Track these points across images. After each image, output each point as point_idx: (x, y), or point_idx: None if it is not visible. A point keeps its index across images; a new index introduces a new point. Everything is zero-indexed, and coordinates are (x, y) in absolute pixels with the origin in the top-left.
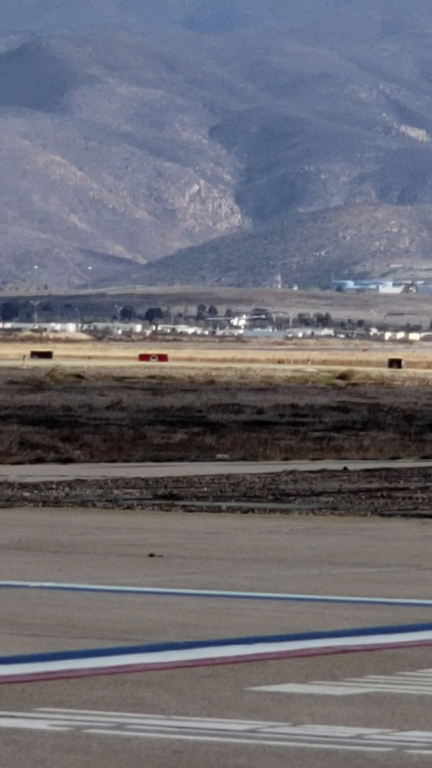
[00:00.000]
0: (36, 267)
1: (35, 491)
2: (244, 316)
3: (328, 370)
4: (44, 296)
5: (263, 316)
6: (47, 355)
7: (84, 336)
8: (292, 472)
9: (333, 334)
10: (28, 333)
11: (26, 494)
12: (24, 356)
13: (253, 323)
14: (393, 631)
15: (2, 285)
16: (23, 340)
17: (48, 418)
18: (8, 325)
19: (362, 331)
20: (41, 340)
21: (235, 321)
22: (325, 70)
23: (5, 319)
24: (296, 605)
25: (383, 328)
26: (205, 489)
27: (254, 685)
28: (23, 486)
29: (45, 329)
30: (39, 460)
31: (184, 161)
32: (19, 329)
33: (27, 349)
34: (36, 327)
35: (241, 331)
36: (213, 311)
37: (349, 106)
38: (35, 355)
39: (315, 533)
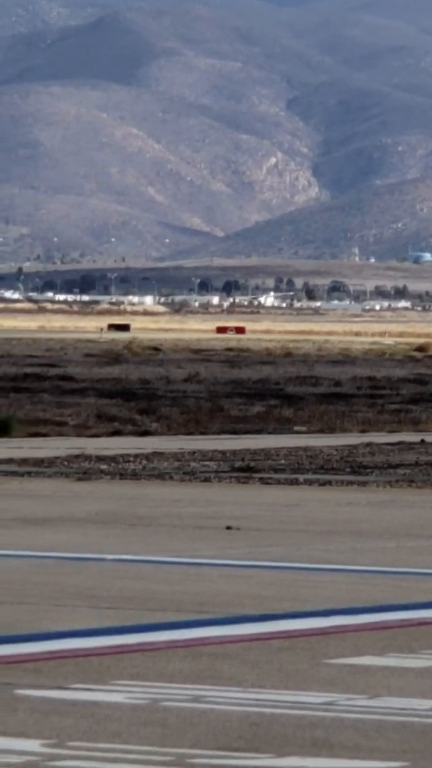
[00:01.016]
0: (113, 240)
1: (112, 464)
2: (272, 293)
3: (406, 342)
4: (122, 269)
5: (291, 292)
6: (125, 327)
7: (161, 309)
8: (369, 444)
9: (410, 306)
10: (105, 306)
11: (103, 467)
12: (101, 329)
13: (282, 298)
14: None
15: (80, 258)
16: (101, 312)
17: (125, 390)
18: (86, 297)
19: None
20: (119, 312)
21: (262, 298)
22: (401, 42)
23: (83, 291)
24: (373, 578)
25: None
26: (283, 461)
27: (331, 657)
28: (100, 458)
29: (122, 302)
30: (116, 433)
31: (262, 134)
32: (96, 302)
33: (104, 321)
34: (113, 300)
35: (318, 304)
36: (291, 284)
37: (426, 79)
38: (113, 327)
39: (392, 506)
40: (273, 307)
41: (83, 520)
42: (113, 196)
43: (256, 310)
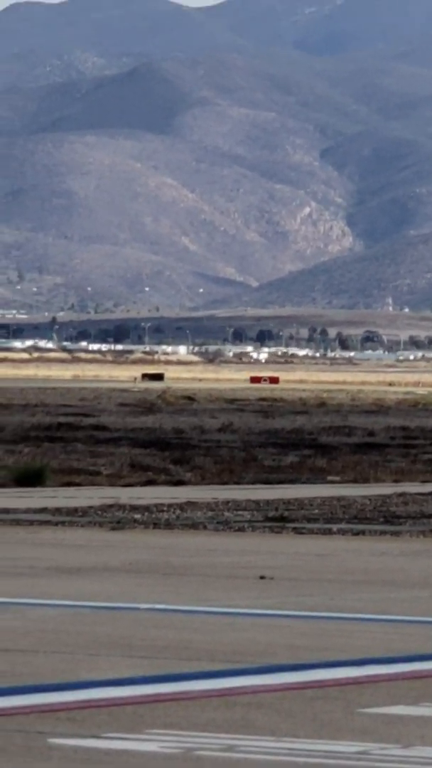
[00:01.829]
0: (147, 289)
1: (146, 513)
2: (260, 349)
3: None
4: (155, 318)
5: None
6: (158, 377)
7: (195, 358)
8: (402, 494)
9: None
10: (139, 355)
11: (137, 516)
12: (135, 378)
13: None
14: None
15: (114, 307)
16: (135, 362)
17: (159, 440)
18: (120, 347)
19: None
20: (153, 362)
21: (255, 354)
22: None
23: (117, 340)
24: (407, 627)
25: None
26: (316, 511)
27: (365, 706)
28: (134, 508)
29: (156, 351)
30: (150, 482)
31: (296, 183)
32: (130, 351)
33: (138, 371)
34: (147, 349)
35: (352, 354)
36: (324, 333)
37: None
38: (146, 377)
39: (425, 555)
40: (307, 356)
41: (117, 569)
42: (147, 246)
43: (290, 359)
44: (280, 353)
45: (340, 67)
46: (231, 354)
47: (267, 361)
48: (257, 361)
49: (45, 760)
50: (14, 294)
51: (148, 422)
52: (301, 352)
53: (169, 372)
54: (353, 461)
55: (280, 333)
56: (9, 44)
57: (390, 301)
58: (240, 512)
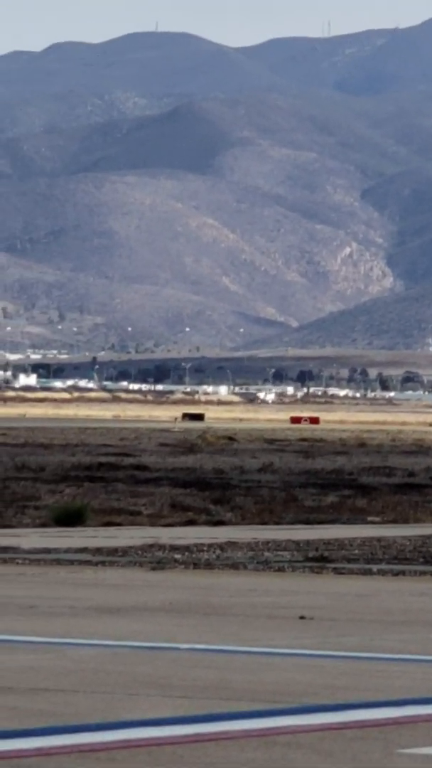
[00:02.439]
0: (188, 329)
1: (186, 553)
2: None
3: None
4: (196, 358)
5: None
6: (199, 417)
7: (236, 398)
8: None
9: None
10: (180, 395)
11: (177, 556)
12: (176, 418)
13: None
14: None
15: (154, 347)
16: (175, 402)
17: (199, 480)
18: (160, 387)
19: None
20: (193, 402)
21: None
22: None
23: (157, 381)
24: None
25: None
26: (356, 551)
27: (404, 747)
28: (175, 548)
29: (197, 391)
30: (190, 522)
31: (336, 224)
32: (171, 391)
33: (179, 411)
34: (188, 389)
35: (392, 394)
36: (364, 374)
37: None
38: (187, 417)
39: None
40: (346, 397)
41: (157, 609)
42: (188, 286)
43: (330, 400)
44: (304, 394)
45: (381, 107)
46: (265, 394)
47: (304, 401)
48: (264, 402)
49: None
50: (55, 334)
51: (188, 462)
52: (342, 393)
53: (210, 412)
54: (393, 501)
55: (321, 373)
56: (50, 84)
57: (430, 341)
58: (280, 552)
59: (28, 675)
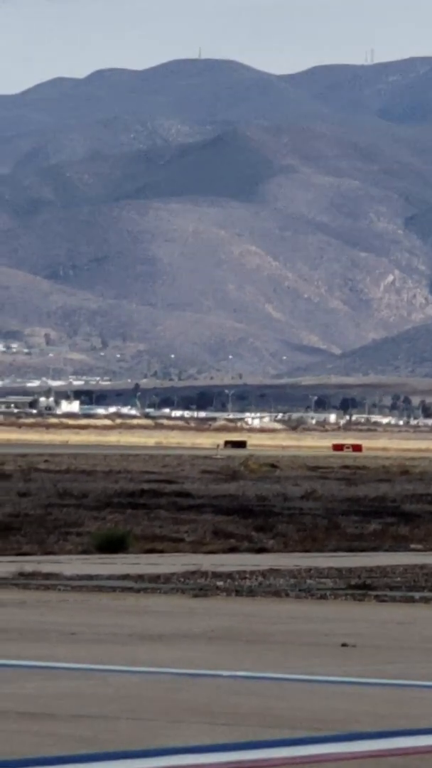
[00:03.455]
0: (231, 357)
1: (229, 580)
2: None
3: None
4: (239, 386)
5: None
6: (241, 444)
7: (278, 425)
8: None
9: None
10: (222, 422)
11: (220, 583)
12: (218, 445)
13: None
14: None
15: (197, 374)
16: (218, 429)
17: (242, 507)
18: (203, 414)
19: None
20: (236, 429)
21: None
22: None
23: (200, 408)
24: None
25: None
26: (399, 579)
27: None
28: (217, 575)
29: (239, 419)
30: (233, 550)
31: (379, 251)
32: (213, 418)
33: (221, 438)
34: (230, 416)
35: None
36: (407, 402)
37: None
38: (229, 444)
39: None
40: (389, 424)
41: (199, 636)
42: (231, 313)
43: (373, 427)
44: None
45: (424, 135)
46: (314, 422)
47: (347, 429)
48: (262, 428)
49: None
50: (98, 361)
51: (231, 489)
52: (384, 420)
53: (252, 439)
54: None
55: (364, 401)
56: (94, 111)
57: None
58: (322, 580)
59: (70, 701)
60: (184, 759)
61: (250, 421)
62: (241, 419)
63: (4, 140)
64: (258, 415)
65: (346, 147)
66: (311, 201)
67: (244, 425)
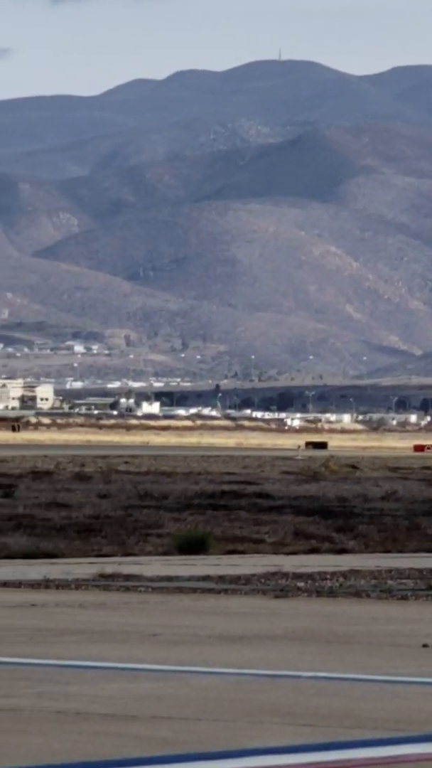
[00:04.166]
0: (311, 357)
1: (309, 581)
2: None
3: None
4: (319, 387)
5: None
6: (322, 445)
7: (359, 426)
8: None
9: None
10: (303, 423)
11: (300, 584)
12: (299, 446)
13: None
14: None
15: (278, 375)
16: (298, 430)
17: (322, 508)
18: (283, 414)
19: None
20: (316, 430)
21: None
22: None
23: (280, 408)
24: None
25: None
26: None
27: None
28: (297, 576)
29: (320, 419)
30: (313, 551)
31: None
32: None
33: (302, 439)
34: (311, 417)
35: None
36: None
37: None
38: (310, 445)
39: None
40: None
41: (280, 637)
42: (311, 314)
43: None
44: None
45: None
46: (394, 423)
47: (428, 429)
48: (291, 428)
49: None
50: (178, 362)
51: (311, 490)
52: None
53: (333, 440)
54: None
55: None
56: (174, 112)
57: None
58: (403, 581)
59: (151, 703)
60: (265, 760)
61: (289, 422)
62: (280, 419)
63: (83, 142)
64: (299, 415)
65: (426, 147)
66: (391, 201)
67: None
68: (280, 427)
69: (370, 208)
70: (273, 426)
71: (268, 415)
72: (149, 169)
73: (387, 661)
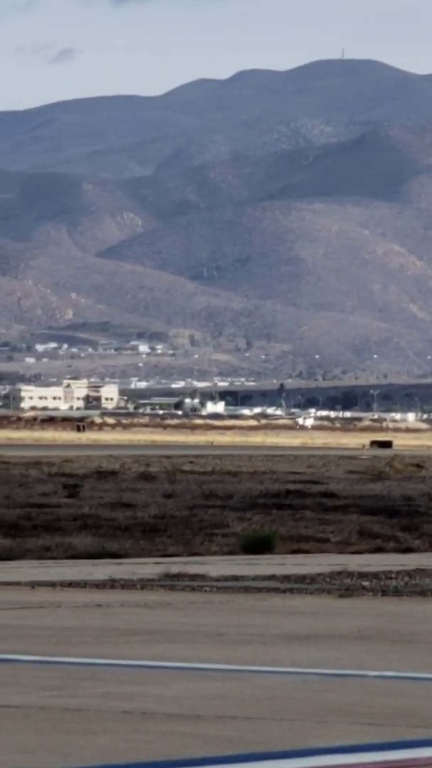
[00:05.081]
0: (376, 356)
1: (375, 580)
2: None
3: None
4: (384, 385)
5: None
6: (387, 444)
7: (424, 425)
8: None
9: None
10: (367, 422)
11: (366, 584)
12: (364, 445)
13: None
14: None
15: (342, 374)
16: (363, 429)
17: (388, 507)
18: (348, 414)
19: None
20: (381, 429)
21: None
22: None
23: (345, 408)
24: None
25: None
26: None
27: None
28: (363, 575)
29: (385, 419)
30: (378, 550)
31: None
32: (359, 418)
33: (367, 438)
34: (376, 416)
35: None
36: None
37: None
38: (375, 444)
39: None
40: None
41: (345, 636)
42: (375, 313)
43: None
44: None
45: None
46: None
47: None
48: (303, 427)
49: None
50: (242, 361)
51: (376, 489)
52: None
53: (398, 439)
54: None
55: None
56: (237, 112)
57: None
58: None
59: (216, 702)
60: (330, 759)
61: (301, 421)
62: (295, 418)
63: (147, 142)
64: (312, 413)
65: None
66: None
67: (388, 425)
68: (344, 426)
69: None
70: (337, 425)
71: (280, 411)
72: (213, 168)
73: None
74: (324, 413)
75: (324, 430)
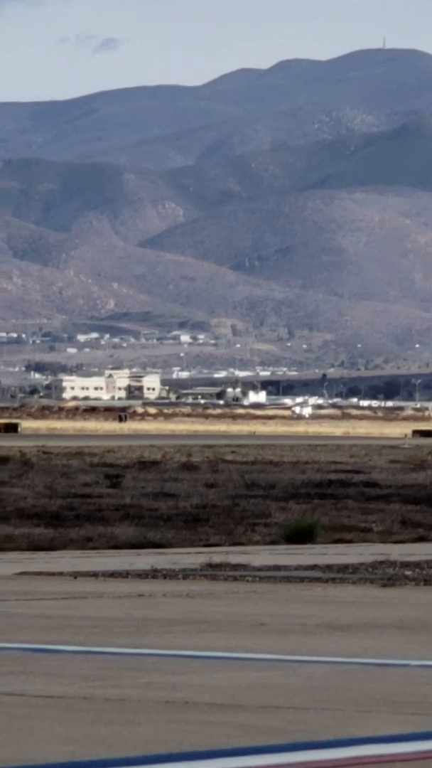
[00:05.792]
0: (418, 345)
1: (417, 570)
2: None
3: None
4: (426, 375)
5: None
6: (429, 433)
7: None
8: None
9: None
10: (410, 412)
11: (408, 573)
12: (406, 435)
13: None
14: None
15: (384, 363)
16: (405, 418)
17: (430, 496)
18: (390, 403)
19: None
20: (423, 418)
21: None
22: None
23: (387, 397)
24: None
25: None
26: None
27: None
28: (405, 565)
29: (427, 408)
30: (421, 539)
31: None
32: (401, 408)
33: (409, 427)
34: (418, 405)
35: None
36: None
37: None
38: (417, 433)
39: None
40: None
41: (388, 626)
42: (417, 303)
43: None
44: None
45: None
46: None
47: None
48: (300, 416)
49: None
50: (285, 351)
51: (419, 479)
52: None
53: None
54: None
55: None
56: (278, 101)
57: None
58: None
59: (259, 692)
60: (373, 749)
61: (297, 409)
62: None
63: (189, 132)
64: (311, 402)
65: None
66: None
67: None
68: (387, 416)
69: None
70: (380, 414)
71: (267, 400)
72: (254, 158)
73: None
74: (366, 402)
75: (367, 420)
